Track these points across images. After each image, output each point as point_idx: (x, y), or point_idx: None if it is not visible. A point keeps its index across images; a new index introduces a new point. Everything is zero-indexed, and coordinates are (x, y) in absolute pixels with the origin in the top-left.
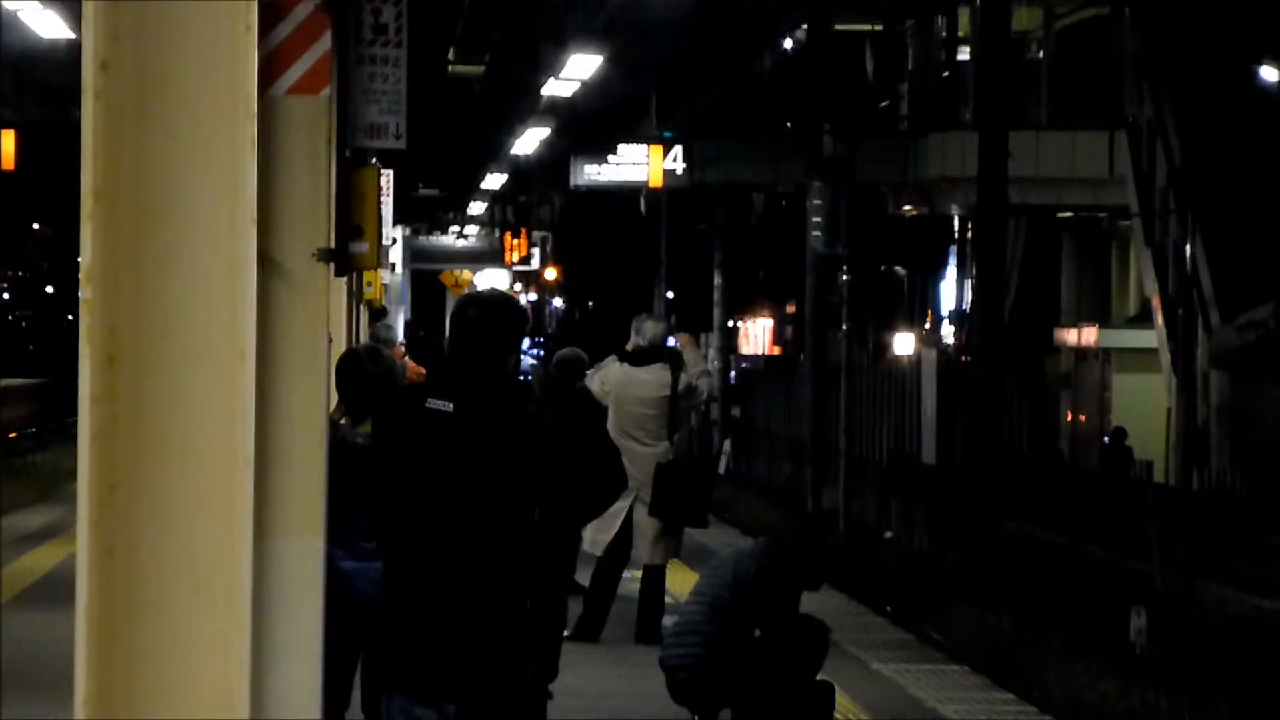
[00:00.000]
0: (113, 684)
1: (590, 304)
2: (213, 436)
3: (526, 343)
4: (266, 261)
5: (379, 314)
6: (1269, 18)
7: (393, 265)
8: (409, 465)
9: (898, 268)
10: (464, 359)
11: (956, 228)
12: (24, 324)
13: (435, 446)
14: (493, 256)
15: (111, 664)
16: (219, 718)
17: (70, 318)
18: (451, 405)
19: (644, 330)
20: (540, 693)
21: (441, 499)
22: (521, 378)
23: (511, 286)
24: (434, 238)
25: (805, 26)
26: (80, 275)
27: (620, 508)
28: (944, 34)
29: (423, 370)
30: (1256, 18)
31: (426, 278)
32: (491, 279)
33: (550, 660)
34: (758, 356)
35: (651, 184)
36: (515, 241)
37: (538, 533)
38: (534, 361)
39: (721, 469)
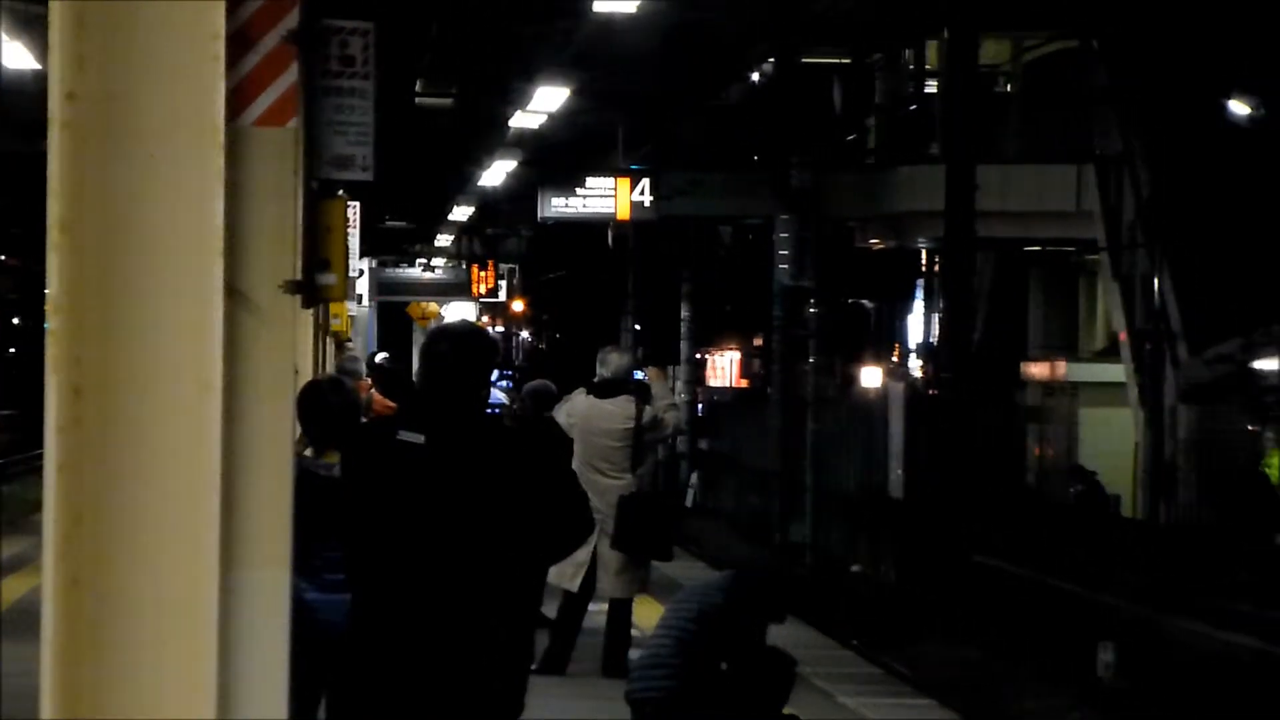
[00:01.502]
0: (77, 717)
1: (557, 336)
2: (179, 467)
3: (495, 374)
4: (233, 293)
5: (341, 345)
6: (1238, 51)
7: (360, 297)
8: (380, 498)
9: (865, 300)
10: (436, 391)
11: (924, 260)
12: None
13: (407, 479)
14: (460, 289)
15: (76, 696)
16: None
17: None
18: (424, 437)
19: (609, 362)
20: None
21: (413, 533)
22: (491, 410)
23: (479, 318)
24: (401, 270)
25: (772, 59)
26: (46, 306)
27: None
28: (912, 67)
29: (390, 403)
30: (1225, 51)
31: (394, 310)
32: (459, 311)
33: (517, 694)
34: (725, 389)
35: (619, 216)
36: (482, 274)
37: (510, 566)
38: (503, 395)
39: (689, 501)
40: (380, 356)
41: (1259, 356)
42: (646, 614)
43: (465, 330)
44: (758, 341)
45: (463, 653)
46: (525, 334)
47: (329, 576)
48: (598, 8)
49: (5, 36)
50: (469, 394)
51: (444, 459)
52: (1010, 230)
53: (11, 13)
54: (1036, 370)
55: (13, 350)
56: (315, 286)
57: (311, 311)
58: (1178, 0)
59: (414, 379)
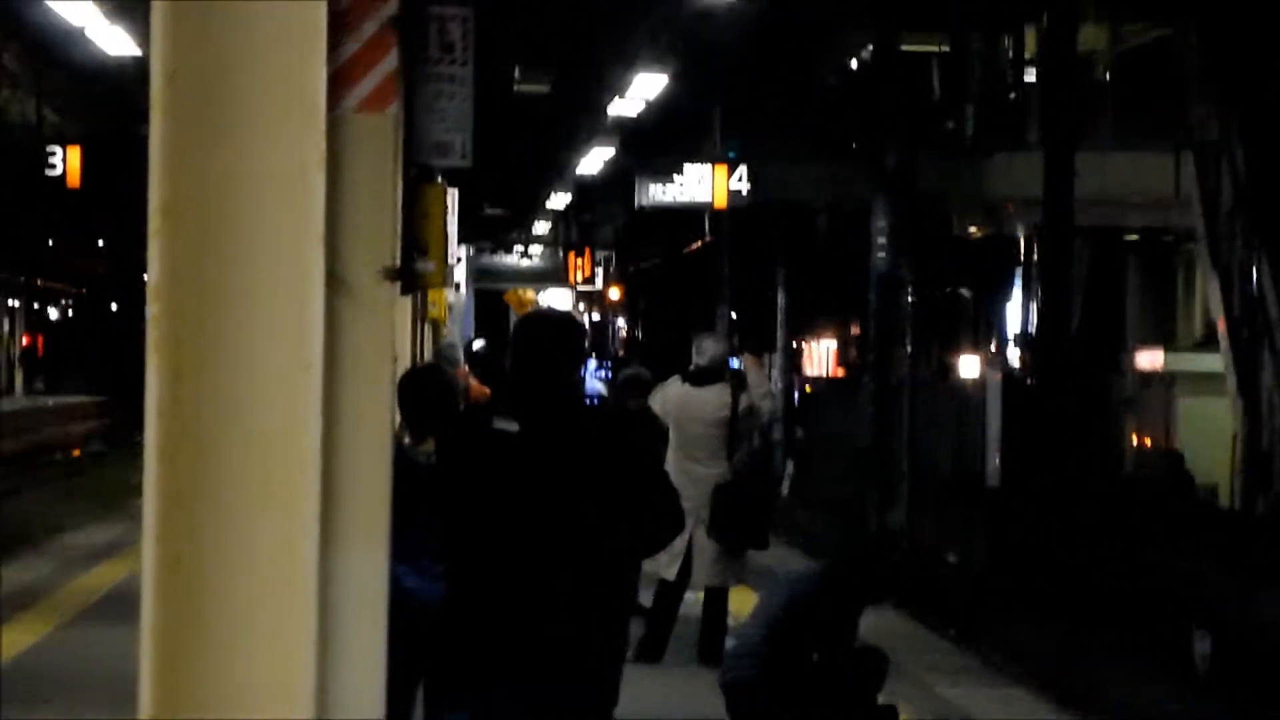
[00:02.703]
0: (177, 698)
1: (653, 323)
2: (278, 450)
3: (593, 364)
4: (332, 278)
5: (439, 331)
6: None
7: (457, 284)
8: (474, 486)
9: (963, 289)
10: (528, 379)
11: (1022, 248)
12: (114, 338)
13: (501, 467)
14: (556, 276)
15: (175, 678)
16: None
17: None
18: (517, 425)
19: (704, 349)
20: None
21: (508, 520)
22: (589, 400)
23: (575, 306)
24: (498, 257)
25: (871, 46)
26: (147, 291)
27: None
28: (1010, 54)
29: (487, 390)
30: None
31: (491, 297)
32: (555, 298)
33: (612, 682)
34: (822, 377)
35: (716, 204)
36: (579, 261)
37: (603, 556)
38: (601, 385)
39: (785, 490)
40: (478, 344)
41: None
42: (742, 603)
43: (555, 317)
44: (855, 329)
45: (556, 641)
46: (621, 321)
47: (429, 564)
48: None
49: (107, 23)
50: (561, 381)
51: (537, 447)
52: (1108, 218)
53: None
54: (1135, 359)
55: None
56: (414, 273)
57: (410, 298)
58: None
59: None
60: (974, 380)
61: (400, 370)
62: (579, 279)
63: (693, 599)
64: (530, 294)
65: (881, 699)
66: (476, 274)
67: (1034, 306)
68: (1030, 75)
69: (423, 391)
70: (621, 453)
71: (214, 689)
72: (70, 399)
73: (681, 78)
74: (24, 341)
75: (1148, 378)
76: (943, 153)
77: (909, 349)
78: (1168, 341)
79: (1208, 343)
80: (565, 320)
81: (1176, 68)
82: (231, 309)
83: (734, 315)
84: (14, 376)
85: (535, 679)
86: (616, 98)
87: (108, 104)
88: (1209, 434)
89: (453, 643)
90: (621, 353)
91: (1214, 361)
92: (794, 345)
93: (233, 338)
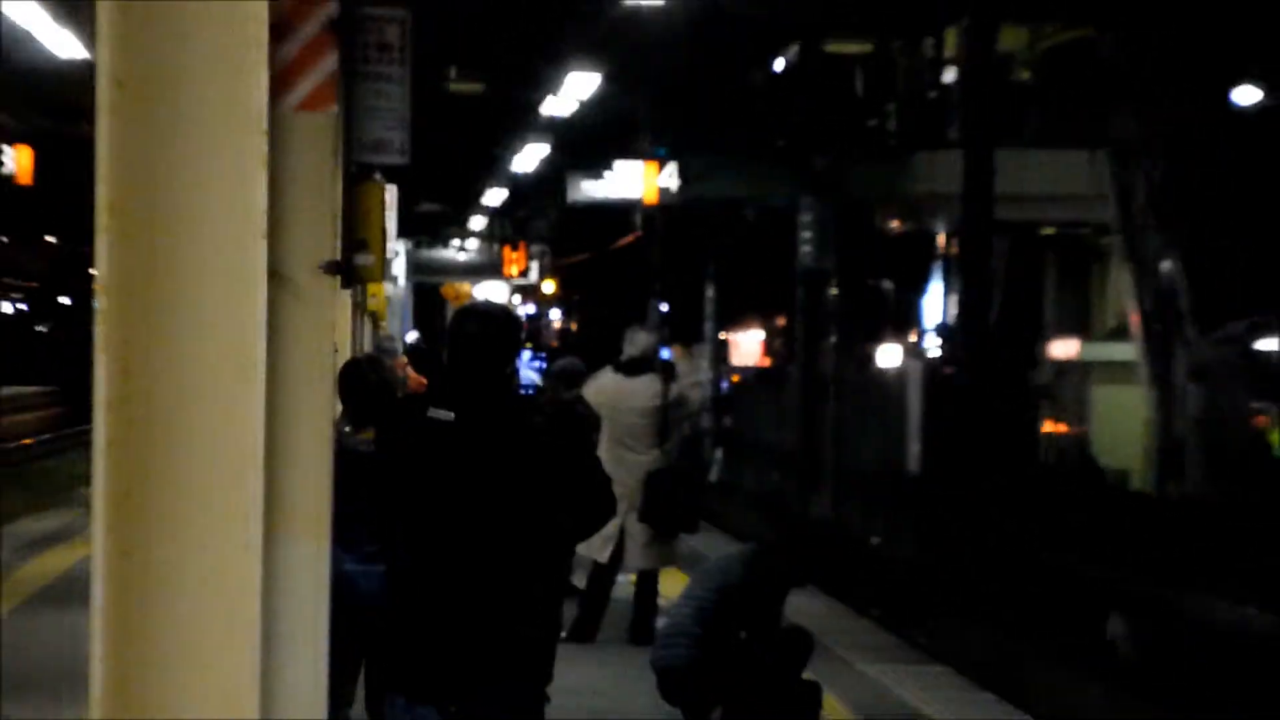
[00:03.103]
0: (127, 682)
1: (585, 316)
2: (224, 442)
3: (528, 355)
4: (274, 274)
5: (378, 325)
6: (1248, 40)
7: (395, 278)
8: (413, 474)
9: (884, 282)
10: (463, 369)
11: (941, 243)
12: (51, 334)
13: (438, 455)
14: (492, 269)
15: (126, 662)
16: (229, 715)
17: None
18: (453, 414)
19: (636, 341)
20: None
21: (445, 506)
22: (524, 390)
23: (510, 299)
24: (435, 251)
25: (797, 47)
26: (95, 287)
27: None
28: (932, 55)
29: (425, 380)
30: (1236, 40)
31: (428, 290)
32: (491, 291)
33: (545, 660)
34: (749, 368)
35: (646, 200)
36: (514, 255)
37: (536, 539)
38: (536, 375)
39: (713, 477)
40: (413, 336)
41: (1263, 337)
42: (673, 585)
43: (489, 309)
44: (780, 322)
45: (493, 619)
46: (555, 313)
47: (368, 548)
48: None
49: (55, 25)
50: (495, 372)
51: (472, 435)
52: (1026, 213)
53: (59, 2)
54: (1051, 350)
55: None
56: (353, 267)
57: (350, 291)
58: None
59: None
60: (895, 371)
61: (340, 361)
62: (514, 273)
63: (625, 581)
64: (466, 287)
65: (806, 676)
66: (414, 268)
67: (954, 299)
68: (951, 76)
69: (362, 382)
70: (554, 440)
71: (164, 670)
72: (18, 390)
73: (613, 77)
74: None
75: (1063, 367)
76: (866, 151)
77: (834, 341)
78: (1082, 332)
79: (1121, 333)
80: (499, 313)
81: (1095, 69)
82: (177, 304)
83: (664, 308)
84: None
85: (471, 658)
86: (549, 96)
87: (57, 105)
88: (1121, 421)
89: (391, 626)
90: (556, 344)
91: (1126, 351)
92: (722, 337)
93: (178, 331)
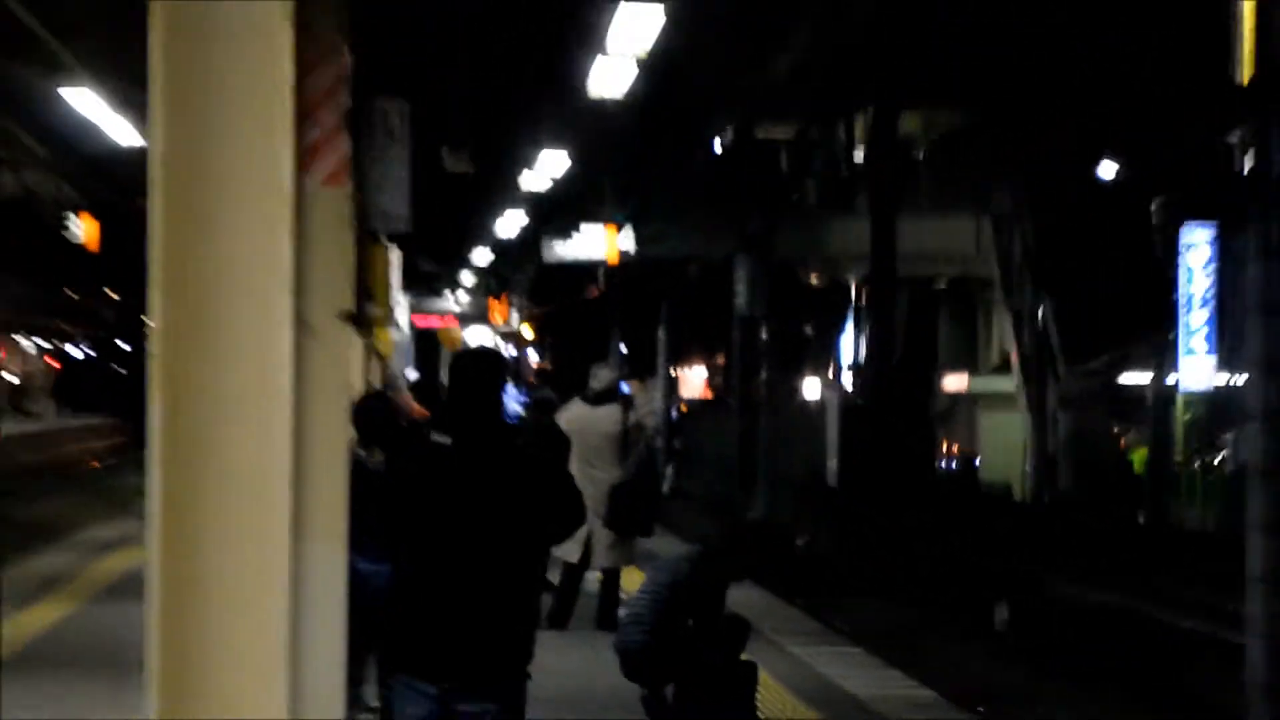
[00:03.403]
0: (177, 662)
1: (557, 356)
2: (256, 463)
3: (512, 389)
4: (299, 321)
5: (385, 364)
6: (1106, 123)
7: (399, 325)
8: (416, 489)
9: (806, 326)
10: (460, 401)
11: (853, 293)
12: (124, 371)
13: (438, 473)
14: (480, 317)
15: (176, 646)
16: (263, 689)
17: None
18: (451, 439)
19: (600, 376)
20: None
21: (443, 516)
22: (509, 419)
23: (495, 342)
24: (432, 301)
25: (733, 132)
26: (150, 333)
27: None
28: (844, 138)
29: (425, 410)
30: (1096, 123)
31: (427, 335)
32: (479, 336)
33: (527, 644)
34: (695, 398)
35: (608, 258)
36: (498, 305)
37: (521, 543)
38: (519, 407)
39: (666, 489)
40: (414, 374)
41: (1121, 371)
42: (632, 580)
43: (482, 352)
44: (720, 359)
45: (484, 611)
46: (533, 354)
47: (379, 551)
48: (593, 92)
49: (117, 117)
50: (486, 403)
51: (467, 456)
52: (923, 269)
53: (118, 96)
54: (944, 383)
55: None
56: (365, 316)
57: (362, 337)
58: (1057, 85)
59: (442, 391)
60: (816, 400)
61: (354, 396)
62: (498, 320)
63: (592, 578)
64: (458, 332)
65: (745, 657)
66: (415, 315)
67: (863, 340)
68: (860, 156)
69: (372, 413)
70: (535, 459)
71: (207, 652)
72: (89, 420)
73: (579, 157)
74: (54, 372)
75: (955, 397)
76: (791, 217)
77: (765, 375)
78: (970, 368)
79: (1002, 369)
80: (490, 355)
81: (978, 150)
82: (217, 347)
83: (623, 348)
84: (44, 402)
85: (466, 643)
86: (527, 172)
87: (117, 182)
88: (1004, 442)
89: (396, 617)
90: (533, 380)
91: (1007, 384)
92: (672, 373)
93: (218, 370)
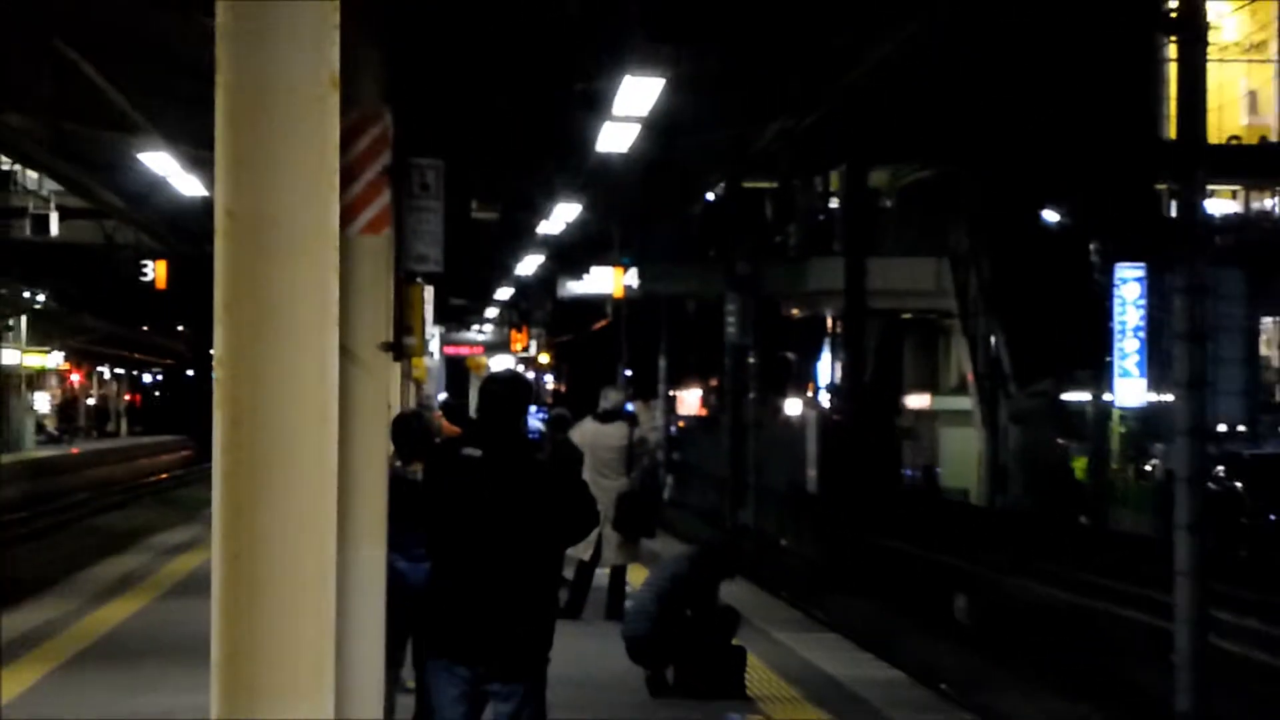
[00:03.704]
0: (237, 654)
1: (570, 380)
2: (308, 474)
3: (534, 409)
4: (345, 351)
5: (419, 388)
6: (1049, 175)
7: (432, 353)
8: (451, 496)
9: (788, 353)
10: (489, 419)
11: (829, 325)
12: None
13: (470, 483)
14: (503, 346)
15: (237, 639)
16: (313, 674)
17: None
18: (481, 452)
19: (609, 397)
20: (542, 656)
21: (474, 520)
22: (531, 435)
23: (516, 367)
24: (461, 333)
25: (723, 184)
26: (214, 362)
27: None
28: (821, 188)
29: (455, 428)
30: (1040, 175)
31: (456, 362)
32: (502, 362)
33: (548, 633)
34: (692, 416)
35: (615, 295)
36: (518, 335)
37: (542, 544)
38: (540, 424)
39: (666, 497)
40: (444, 396)
41: (1064, 391)
42: (637, 576)
43: (508, 375)
44: (714, 382)
45: (510, 603)
46: (550, 378)
47: (415, 551)
48: (600, 148)
49: (183, 172)
50: (513, 421)
51: (495, 468)
52: (890, 303)
53: (187, 155)
54: (909, 402)
55: (186, 393)
56: (402, 346)
57: (399, 364)
58: (1007, 142)
59: (472, 411)
60: (798, 418)
61: (392, 415)
62: (519, 349)
63: (602, 574)
64: (484, 360)
65: (735, 642)
66: (445, 345)
67: (838, 365)
68: (835, 204)
69: (409, 429)
70: (553, 472)
71: (264, 645)
72: (160, 438)
73: (591, 206)
74: (127, 398)
75: (919, 414)
76: (775, 259)
77: (753, 396)
78: (932, 389)
79: (960, 389)
80: (515, 378)
81: (938, 199)
82: (273, 373)
83: (629, 373)
84: (120, 423)
85: (496, 630)
86: (544, 220)
87: (187, 230)
88: (961, 453)
89: (433, 609)
90: (550, 401)
91: (964, 402)
92: (672, 394)
93: (274, 394)
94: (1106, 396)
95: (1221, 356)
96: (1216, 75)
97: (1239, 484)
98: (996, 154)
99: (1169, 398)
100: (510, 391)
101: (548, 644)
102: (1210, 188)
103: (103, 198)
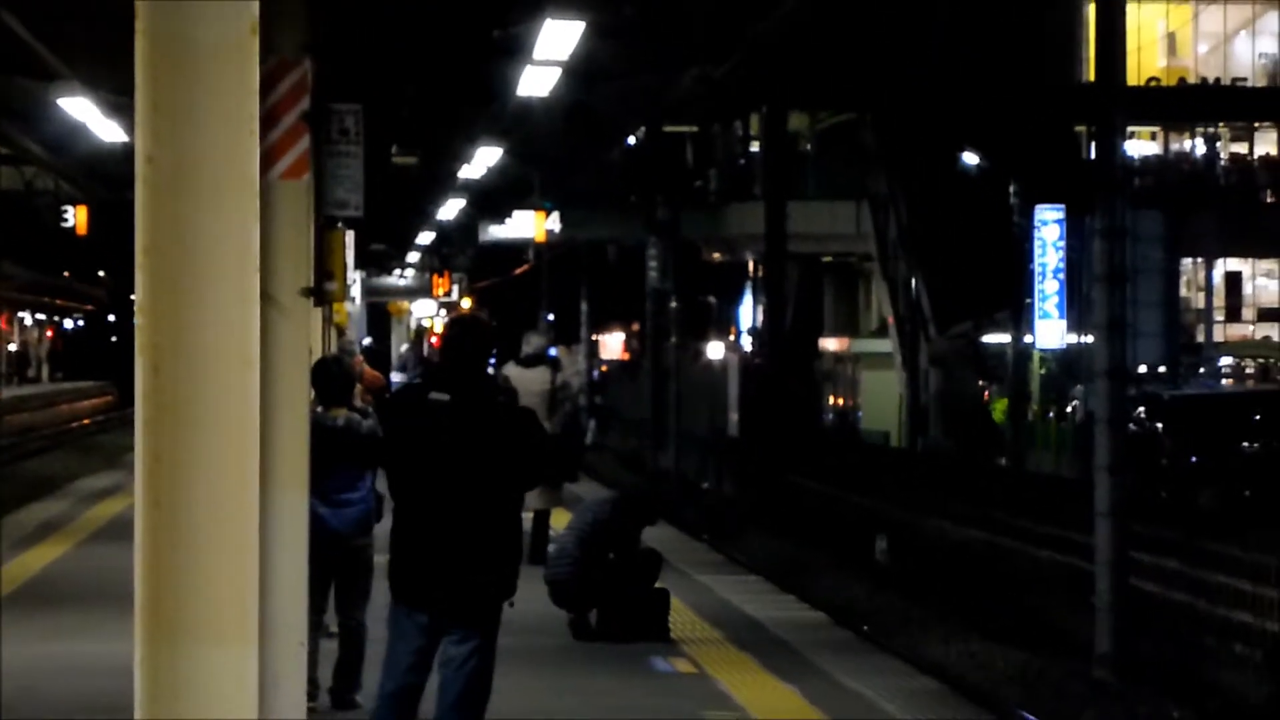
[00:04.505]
0: (161, 596)
1: (494, 324)
2: (229, 420)
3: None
4: (266, 297)
5: (341, 333)
6: (967, 118)
7: (353, 299)
8: (416, 441)
9: (710, 297)
10: (454, 363)
11: (750, 269)
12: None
13: (436, 427)
14: (424, 291)
15: (159, 584)
16: (236, 617)
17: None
18: (448, 396)
19: (531, 342)
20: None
21: (441, 465)
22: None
23: (438, 312)
24: (382, 278)
25: (644, 129)
26: (135, 308)
27: None
28: (741, 133)
29: (375, 373)
30: (959, 118)
31: (377, 307)
32: (424, 308)
33: (511, 576)
34: (614, 361)
35: (536, 239)
36: (440, 280)
37: (504, 485)
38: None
39: (588, 441)
40: (367, 340)
41: (984, 334)
42: (560, 520)
43: (471, 320)
44: (635, 327)
45: (473, 549)
46: None
47: (334, 496)
48: (520, 92)
49: (103, 117)
50: (476, 365)
51: (461, 411)
52: (810, 247)
53: (107, 102)
54: (829, 345)
55: (107, 340)
56: (323, 291)
57: (320, 309)
58: (926, 86)
59: (409, 353)
60: (719, 361)
61: (313, 361)
62: (440, 294)
63: (525, 518)
64: (405, 305)
65: (658, 585)
66: (367, 291)
67: (759, 309)
68: (755, 148)
69: (329, 374)
70: (519, 415)
71: (186, 587)
72: (82, 384)
73: (512, 151)
74: (48, 343)
75: (839, 357)
76: (695, 204)
77: (674, 340)
78: (852, 332)
79: (880, 332)
80: (478, 322)
81: (856, 143)
82: (194, 320)
83: (551, 317)
84: (41, 369)
85: (456, 574)
86: (465, 165)
87: (107, 176)
88: (882, 396)
89: (399, 550)
90: None
91: (884, 345)
92: (594, 338)
93: (195, 340)
94: (1027, 339)
95: (1141, 299)
96: (1135, 17)
97: (1159, 425)
98: (914, 97)
99: (1089, 339)
100: (474, 336)
101: (509, 590)
102: (1129, 129)
103: (21, 144)
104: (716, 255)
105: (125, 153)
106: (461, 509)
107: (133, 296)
